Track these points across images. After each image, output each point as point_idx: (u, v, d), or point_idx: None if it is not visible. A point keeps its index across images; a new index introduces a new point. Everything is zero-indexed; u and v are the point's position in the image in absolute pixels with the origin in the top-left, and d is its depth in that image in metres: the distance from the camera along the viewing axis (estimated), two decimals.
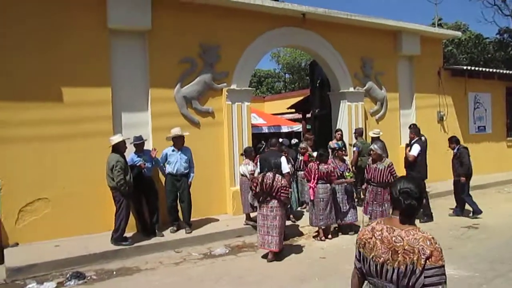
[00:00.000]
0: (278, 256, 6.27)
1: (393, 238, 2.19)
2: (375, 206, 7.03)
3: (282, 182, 6.15)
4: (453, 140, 8.76)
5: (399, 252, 2.14)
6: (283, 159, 6.74)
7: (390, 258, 2.16)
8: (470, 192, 8.71)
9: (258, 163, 7.17)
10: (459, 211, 8.71)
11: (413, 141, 8.50)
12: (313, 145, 9.36)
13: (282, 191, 6.12)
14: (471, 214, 8.50)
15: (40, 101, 6.84)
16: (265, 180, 6.14)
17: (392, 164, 7.06)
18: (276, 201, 6.16)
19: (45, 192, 6.89)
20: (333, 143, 8.63)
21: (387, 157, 7.28)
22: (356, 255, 2.38)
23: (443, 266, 2.12)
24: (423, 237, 2.17)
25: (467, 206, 8.67)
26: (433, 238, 2.19)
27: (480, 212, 8.36)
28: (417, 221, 7.66)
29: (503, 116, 14.72)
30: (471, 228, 7.76)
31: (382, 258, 2.19)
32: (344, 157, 7.88)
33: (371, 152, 7.17)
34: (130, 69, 7.72)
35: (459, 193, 8.68)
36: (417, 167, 8.19)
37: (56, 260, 6.03)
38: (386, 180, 6.92)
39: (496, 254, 6.13)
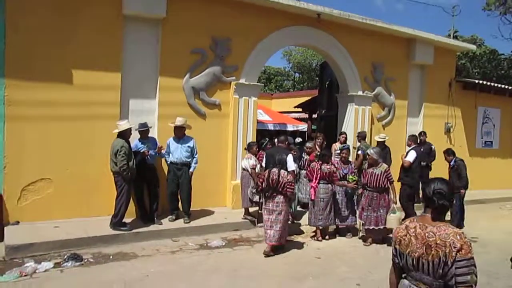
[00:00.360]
0: (276, 250, 6.34)
1: (426, 234, 2.43)
2: (369, 212, 7.05)
3: (288, 177, 6.28)
4: (449, 153, 8.76)
5: (432, 246, 2.39)
6: (290, 157, 6.88)
7: (425, 252, 2.40)
8: (470, 206, 8.68)
9: (264, 158, 7.29)
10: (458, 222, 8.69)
11: (410, 148, 8.81)
12: (321, 145, 9.25)
13: (288, 186, 6.24)
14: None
15: (49, 82, 6.86)
16: (271, 176, 6.25)
17: (388, 169, 7.09)
18: (282, 196, 6.29)
19: (48, 172, 6.92)
20: (336, 145, 8.60)
21: (391, 163, 7.30)
22: (393, 252, 2.64)
23: (472, 258, 2.35)
24: (453, 232, 2.40)
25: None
26: (462, 233, 2.42)
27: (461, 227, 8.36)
28: None
29: (510, 133, 14.64)
30: (470, 241, 7.70)
31: (417, 253, 2.44)
32: (349, 160, 7.80)
33: (367, 156, 7.21)
34: (141, 56, 7.73)
35: (458, 206, 8.64)
36: (410, 173, 8.32)
37: (54, 241, 6.07)
38: (383, 185, 6.95)
39: (493, 269, 6.09)
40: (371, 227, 7.04)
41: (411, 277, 2.51)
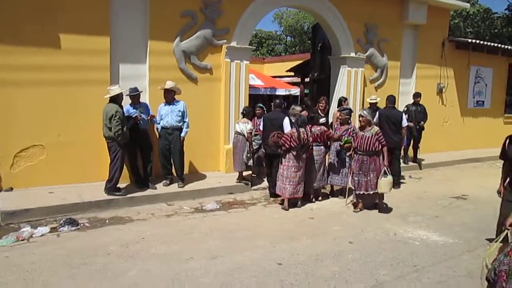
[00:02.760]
0: (293, 203, 6.94)
1: None
2: (360, 176, 6.79)
3: (311, 137, 6.96)
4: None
5: None
6: (286, 120, 7.25)
7: None
8: (462, 165, 8.80)
9: (262, 121, 7.59)
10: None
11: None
12: (324, 109, 8.74)
13: (312, 145, 7.01)
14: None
15: (38, 47, 6.71)
16: (302, 135, 6.76)
17: (380, 132, 6.85)
18: (305, 154, 6.92)
19: (40, 139, 6.89)
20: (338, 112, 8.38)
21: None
22: None
23: None
24: None
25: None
26: None
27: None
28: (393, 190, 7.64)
29: (502, 92, 14.70)
30: (460, 198, 7.87)
31: None
32: (349, 122, 7.55)
33: (360, 118, 6.92)
34: (130, 20, 7.56)
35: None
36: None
37: (50, 206, 6.11)
38: (373, 148, 6.72)
39: (482, 224, 6.25)
40: (361, 192, 6.81)
41: None
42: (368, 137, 6.76)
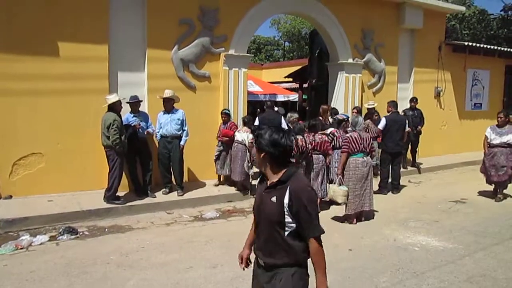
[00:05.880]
0: None
1: None
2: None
3: (310, 145, 6.86)
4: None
5: None
6: (283, 120, 7.95)
7: None
8: (461, 168, 8.83)
9: (257, 121, 7.94)
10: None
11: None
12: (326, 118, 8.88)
13: (312, 153, 6.95)
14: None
15: (37, 55, 6.75)
16: (301, 143, 6.74)
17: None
18: (305, 161, 6.92)
19: (39, 147, 6.90)
20: (340, 115, 8.45)
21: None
22: None
23: None
24: None
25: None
26: None
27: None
28: (389, 194, 7.74)
29: (500, 94, 14.75)
30: (459, 202, 7.88)
31: None
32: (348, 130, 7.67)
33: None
34: (128, 28, 7.59)
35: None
36: (383, 139, 8.60)
37: (49, 215, 6.12)
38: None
39: (481, 228, 6.26)
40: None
41: None
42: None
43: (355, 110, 9.56)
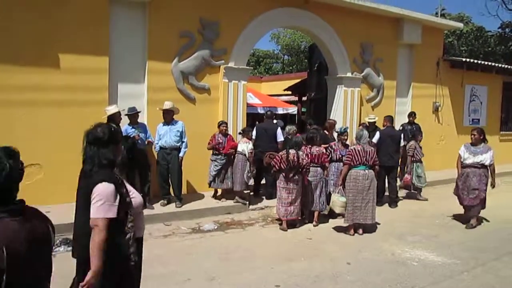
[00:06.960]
0: (291, 224, 6.91)
1: None
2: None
3: (306, 159, 6.76)
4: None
5: None
6: (279, 130, 8.27)
7: None
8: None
9: (255, 131, 8.13)
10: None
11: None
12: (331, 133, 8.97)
13: (307, 167, 6.76)
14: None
15: (36, 66, 6.79)
16: (291, 157, 6.63)
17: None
18: (300, 176, 6.76)
19: (38, 158, 6.88)
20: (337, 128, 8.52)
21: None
22: None
23: None
24: None
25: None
26: None
27: None
28: (387, 208, 7.74)
29: (498, 110, 14.82)
30: (457, 216, 7.86)
31: None
32: (347, 144, 7.70)
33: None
34: (128, 40, 7.66)
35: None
36: (379, 153, 8.25)
37: None
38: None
39: (479, 244, 6.25)
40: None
41: None
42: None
43: (360, 127, 9.57)
